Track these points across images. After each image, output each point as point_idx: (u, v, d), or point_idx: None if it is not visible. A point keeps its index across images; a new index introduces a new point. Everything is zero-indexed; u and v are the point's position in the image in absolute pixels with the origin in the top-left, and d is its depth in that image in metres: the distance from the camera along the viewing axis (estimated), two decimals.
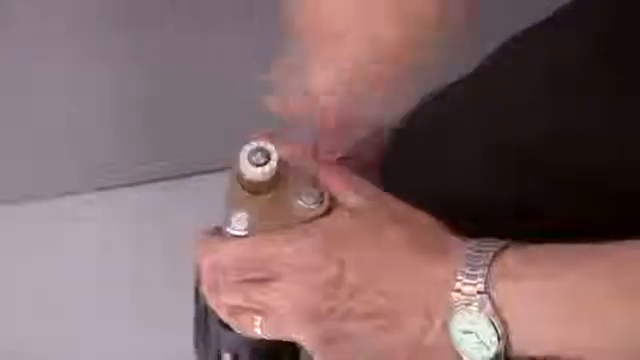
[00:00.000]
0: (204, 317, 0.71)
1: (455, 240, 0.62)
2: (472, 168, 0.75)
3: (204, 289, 0.66)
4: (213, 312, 0.68)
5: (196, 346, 0.76)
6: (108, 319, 1.38)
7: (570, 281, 0.58)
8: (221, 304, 0.65)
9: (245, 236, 0.64)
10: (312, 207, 0.64)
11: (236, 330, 0.66)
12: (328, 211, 0.64)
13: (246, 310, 0.64)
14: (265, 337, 0.64)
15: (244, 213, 0.64)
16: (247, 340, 0.68)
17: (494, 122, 0.76)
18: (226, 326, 0.68)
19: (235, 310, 0.65)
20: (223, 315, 0.66)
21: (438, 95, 0.80)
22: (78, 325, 1.37)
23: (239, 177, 0.65)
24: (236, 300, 0.64)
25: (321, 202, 0.64)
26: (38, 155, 1.48)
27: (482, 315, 0.58)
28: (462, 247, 0.61)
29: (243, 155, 0.64)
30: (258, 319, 0.64)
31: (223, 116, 1.50)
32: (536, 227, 0.72)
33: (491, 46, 0.81)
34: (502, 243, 0.60)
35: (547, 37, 0.79)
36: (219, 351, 0.70)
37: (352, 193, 0.64)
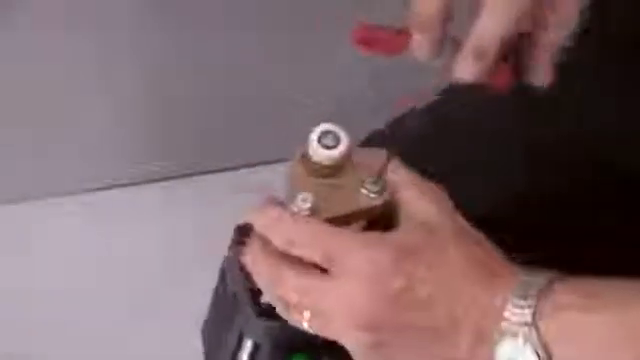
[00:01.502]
0: (232, 299, 0.70)
1: (506, 266, 0.62)
2: (475, 168, 0.75)
3: (259, 265, 0.65)
4: (251, 296, 0.68)
5: (205, 327, 0.76)
6: (108, 319, 1.38)
7: (619, 316, 0.58)
8: (278, 288, 0.65)
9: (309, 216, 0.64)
10: (374, 196, 0.64)
11: (282, 316, 0.65)
12: (388, 204, 0.64)
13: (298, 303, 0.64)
14: (310, 332, 0.64)
15: (309, 194, 0.64)
16: (274, 332, 0.68)
17: (498, 122, 0.76)
18: (259, 314, 0.68)
19: (288, 300, 0.64)
20: (275, 299, 0.65)
21: (440, 95, 0.80)
22: (78, 325, 1.37)
23: (306, 159, 0.65)
24: (293, 288, 0.63)
25: (383, 193, 0.64)
26: (38, 155, 1.48)
27: (528, 345, 0.58)
28: (513, 275, 0.61)
29: (313, 137, 0.64)
30: (307, 314, 0.63)
31: (223, 116, 1.50)
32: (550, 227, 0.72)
33: None
34: (551, 274, 0.60)
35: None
36: (242, 336, 0.70)
37: (421, 201, 0.64)
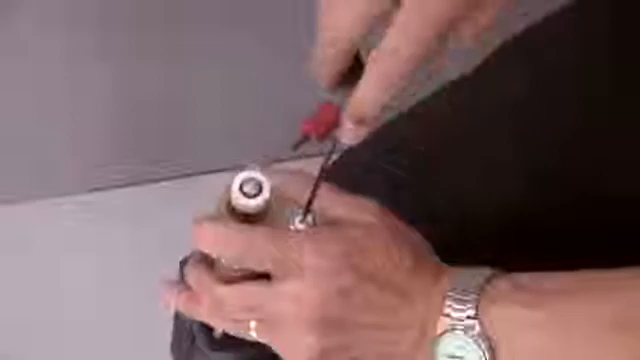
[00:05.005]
0: (189, 331, 0.70)
1: (443, 265, 0.63)
2: (471, 170, 0.75)
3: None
4: (205, 329, 0.68)
5: (172, 352, 0.76)
6: (107, 319, 1.38)
7: (559, 310, 0.59)
8: (220, 311, 0.64)
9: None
10: None
11: (231, 333, 0.65)
12: None
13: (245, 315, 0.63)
14: (260, 340, 0.64)
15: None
16: None
17: (494, 123, 0.76)
18: (213, 347, 0.67)
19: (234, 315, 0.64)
20: (221, 318, 0.65)
21: (437, 95, 0.80)
22: (77, 325, 1.37)
23: (229, 207, 0.63)
24: (239, 301, 0.63)
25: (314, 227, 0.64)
26: (38, 155, 1.47)
27: (470, 340, 0.59)
28: (453, 272, 0.62)
29: (235, 186, 0.62)
30: (252, 323, 0.63)
31: (223, 117, 1.50)
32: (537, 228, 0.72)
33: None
34: (491, 270, 0.61)
35: (547, 37, 0.79)
36: None
37: (358, 210, 0.64)
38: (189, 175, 1.47)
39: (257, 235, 0.62)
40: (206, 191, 1.45)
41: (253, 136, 1.45)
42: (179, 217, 1.42)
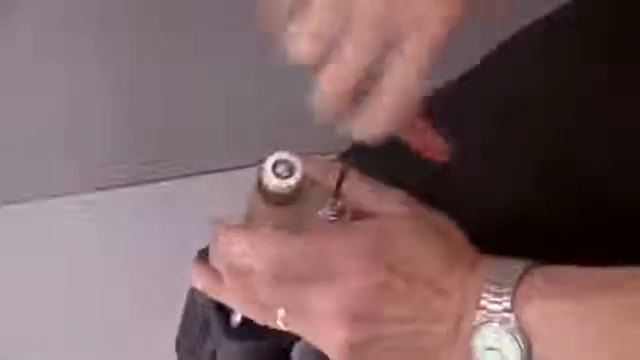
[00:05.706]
0: (203, 320, 0.70)
1: (481, 256, 0.63)
2: (472, 171, 0.75)
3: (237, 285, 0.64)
4: (222, 318, 0.67)
5: (178, 345, 0.76)
6: (108, 319, 1.38)
7: (597, 303, 0.58)
8: (251, 301, 0.64)
9: None
10: (333, 219, 0.64)
11: (259, 322, 0.65)
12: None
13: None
14: (288, 330, 0.63)
15: (266, 225, 0.63)
16: (246, 353, 0.67)
17: (494, 123, 0.76)
18: (230, 336, 0.67)
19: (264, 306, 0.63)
20: (249, 312, 0.64)
21: (436, 94, 0.80)
22: (78, 325, 1.37)
23: (261, 187, 0.64)
24: (279, 301, 0.62)
25: (343, 215, 0.64)
26: (38, 155, 1.48)
27: (506, 332, 0.59)
28: (489, 264, 0.61)
29: (267, 166, 0.63)
30: (281, 311, 0.62)
31: (223, 117, 1.50)
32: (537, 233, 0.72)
33: (491, 46, 0.81)
34: (528, 262, 0.61)
35: (546, 36, 0.79)
36: (214, 356, 0.70)
37: (388, 200, 0.64)
38: (189, 175, 1.47)
39: (288, 246, 0.61)
40: (206, 191, 1.46)
41: (253, 136, 1.46)
42: (179, 217, 1.43)
